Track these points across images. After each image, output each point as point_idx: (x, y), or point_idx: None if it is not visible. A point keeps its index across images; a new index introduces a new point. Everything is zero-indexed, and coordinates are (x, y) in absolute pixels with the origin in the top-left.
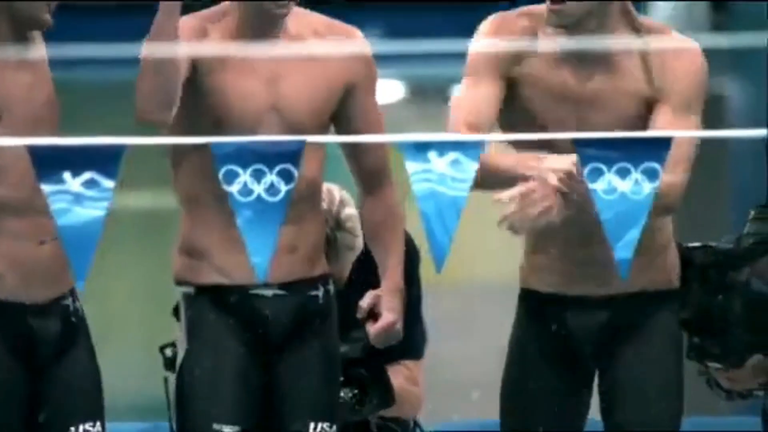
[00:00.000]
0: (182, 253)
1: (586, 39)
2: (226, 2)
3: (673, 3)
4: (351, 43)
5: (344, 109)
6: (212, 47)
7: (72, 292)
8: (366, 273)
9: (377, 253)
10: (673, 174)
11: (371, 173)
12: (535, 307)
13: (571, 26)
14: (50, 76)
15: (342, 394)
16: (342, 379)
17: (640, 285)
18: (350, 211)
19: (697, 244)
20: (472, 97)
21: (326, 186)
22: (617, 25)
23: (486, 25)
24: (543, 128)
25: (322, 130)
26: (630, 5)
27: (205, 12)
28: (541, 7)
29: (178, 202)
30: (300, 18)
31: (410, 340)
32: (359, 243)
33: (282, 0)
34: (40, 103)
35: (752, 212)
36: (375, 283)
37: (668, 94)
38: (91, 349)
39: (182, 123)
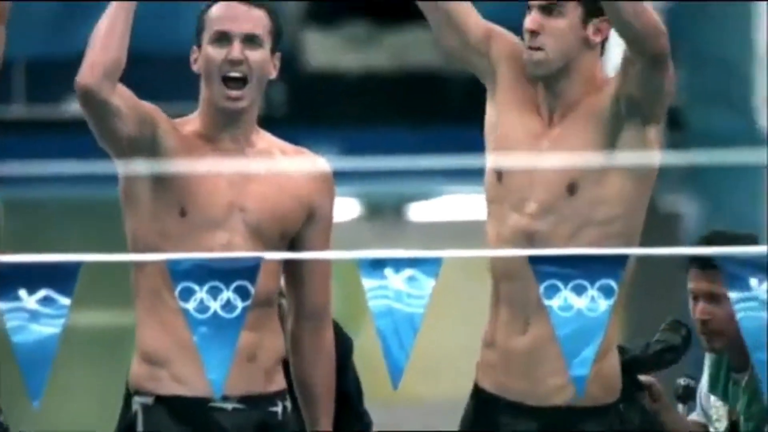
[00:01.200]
0: (142, 361)
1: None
2: (194, 114)
3: None
4: (317, 166)
5: (302, 231)
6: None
7: None
8: None
9: (308, 404)
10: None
11: (313, 310)
12: (479, 406)
13: (546, 78)
14: None
15: None
16: None
17: (573, 397)
18: None
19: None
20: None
21: None
22: (588, 86)
23: None
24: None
25: (283, 242)
26: (600, 67)
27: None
28: None
29: (137, 309)
30: (267, 138)
31: (359, 423)
32: None
33: (234, 90)
34: None
35: (664, 324)
36: None
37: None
38: None
39: (148, 211)
